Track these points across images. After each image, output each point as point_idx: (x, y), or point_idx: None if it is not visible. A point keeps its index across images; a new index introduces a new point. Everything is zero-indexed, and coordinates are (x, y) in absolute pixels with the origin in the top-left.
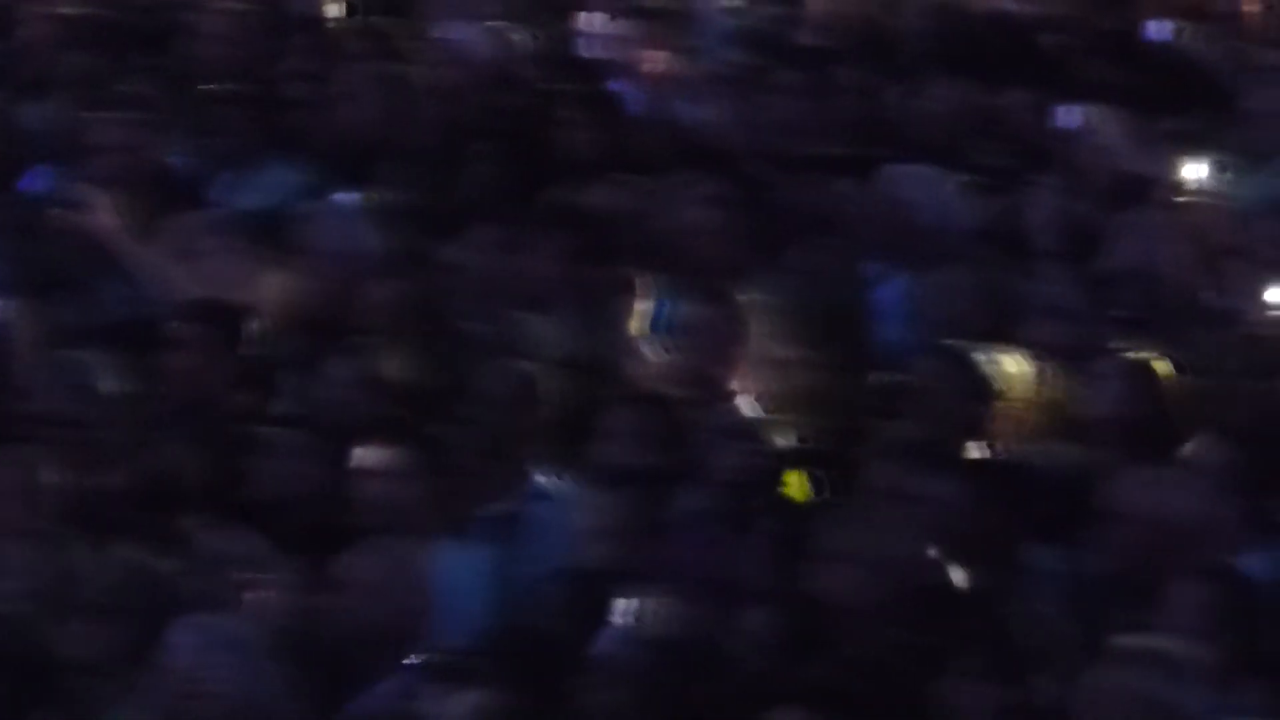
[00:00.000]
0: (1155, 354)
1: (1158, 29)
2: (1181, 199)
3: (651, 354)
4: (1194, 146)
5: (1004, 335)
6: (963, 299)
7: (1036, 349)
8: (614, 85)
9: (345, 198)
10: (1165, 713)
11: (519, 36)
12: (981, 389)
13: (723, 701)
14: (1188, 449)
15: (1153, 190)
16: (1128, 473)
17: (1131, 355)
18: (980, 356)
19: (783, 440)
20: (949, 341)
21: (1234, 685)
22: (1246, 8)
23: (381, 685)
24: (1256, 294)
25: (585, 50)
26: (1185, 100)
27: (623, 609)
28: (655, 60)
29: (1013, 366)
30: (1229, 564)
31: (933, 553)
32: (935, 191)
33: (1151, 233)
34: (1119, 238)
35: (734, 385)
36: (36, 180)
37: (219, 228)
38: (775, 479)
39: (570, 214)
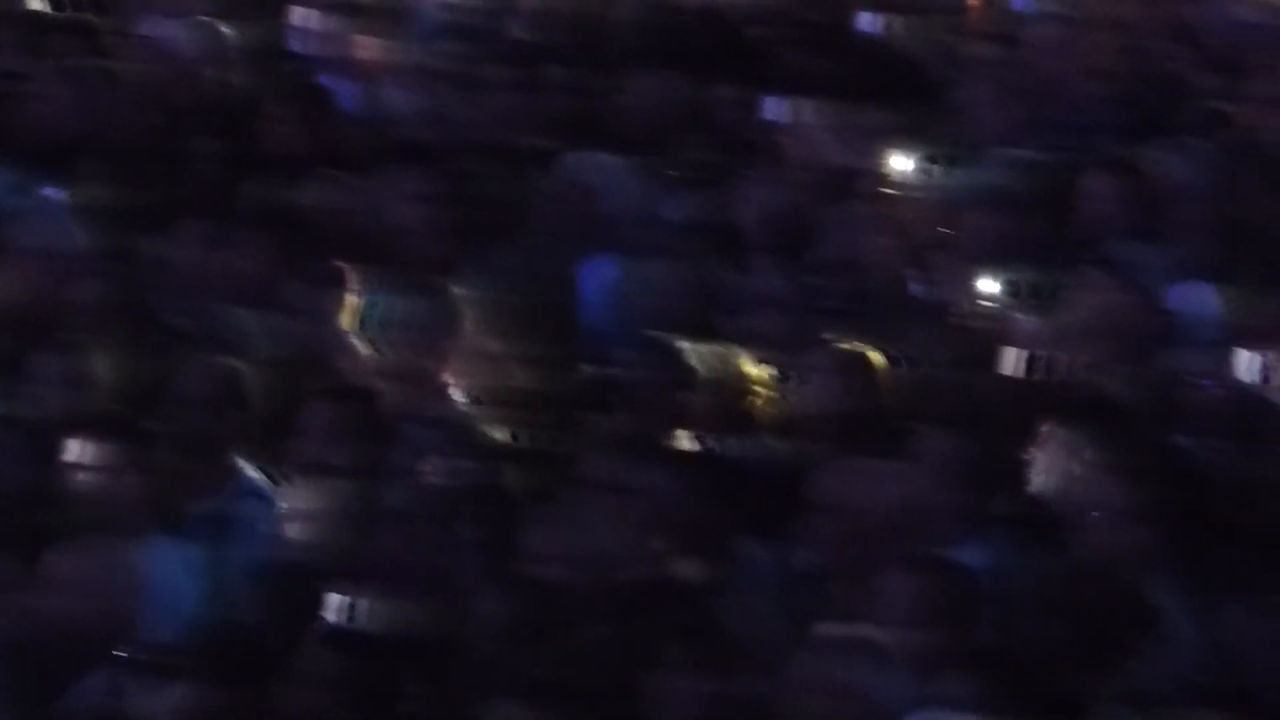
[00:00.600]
0: (866, 346)
1: (866, 21)
2: (889, 191)
3: (362, 349)
4: (902, 139)
5: (714, 327)
6: (671, 291)
7: (747, 341)
8: (324, 80)
9: (51, 194)
10: (868, 703)
11: (227, 31)
12: (692, 381)
13: (435, 696)
14: (901, 440)
15: (860, 182)
16: (839, 464)
17: (843, 347)
18: (690, 348)
19: (495, 435)
20: (658, 334)
21: (943, 675)
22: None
23: (88, 681)
24: (965, 285)
25: (295, 45)
26: (893, 92)
27: (334, 605)
28: (366, 54)
29: (723, 358)
30: (940, 554)
31: (645, 545)
32: (628, 182)
33: (860, 225)
34: (828, 230)
35: (445, 380)
36: None
37: None
38: (488, 473)
39: (279, 209)
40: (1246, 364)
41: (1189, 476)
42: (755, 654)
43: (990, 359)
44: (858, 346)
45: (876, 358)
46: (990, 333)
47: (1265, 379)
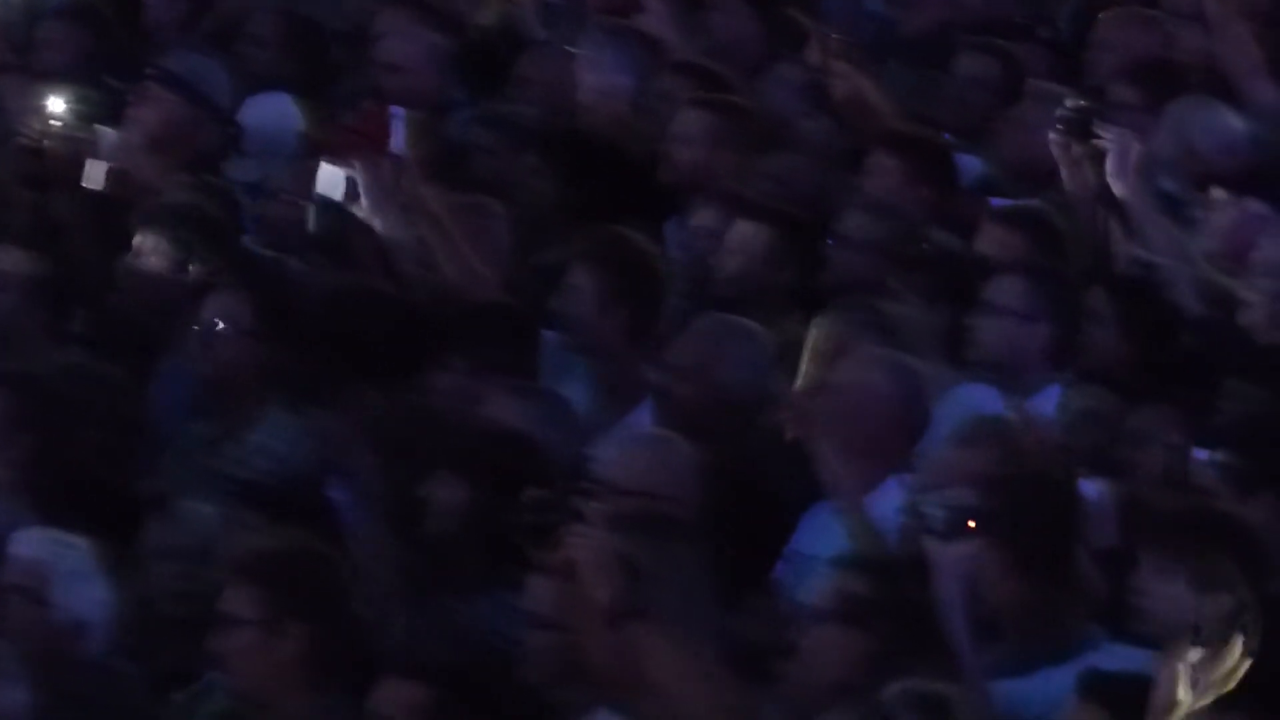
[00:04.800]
0: None
1: None
2: None
3: None
4: None
5: None
6: None
7: None
8: None
9: None
10: None
11: None
12: None
13: None
14: None
15: None
16: None
17: None
18: None
19: None
20: None
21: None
22: None
23: None
24: (36, 103)
25: None
26: None
27: None
28: None
29: None
30: (22, 371)
31: None
32: None
33: None
34: None
35: None
36: None
37: None
38: None
39: None
40: (329, 178)
41: (282, 287)
42: None
43: (66, 175)
44: None
45: None
46: (64, 148)
47: (348, 194)
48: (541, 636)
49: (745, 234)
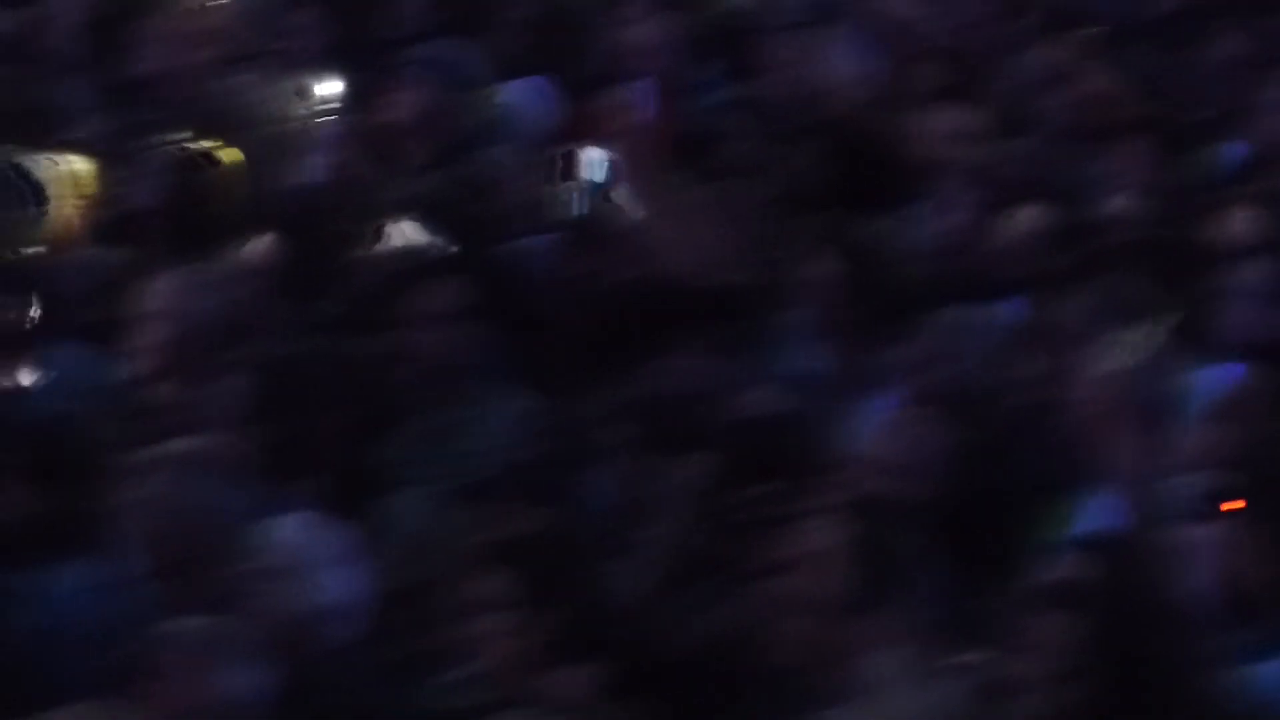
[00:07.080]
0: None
1: None
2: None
3: None
4: None
5: (40, 139)
6: None
7: (78, 150)
8: None
9: None
10: (204, 515)
11: None
12: (34, 193)
13: None
14: (230, 245)
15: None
16: (165, 271)
17: (174, 147)
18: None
19: None
20: None
21: (273, 480)
22: None
23: None
24: (288, 90)
25: None
26: None
27: None
28: None
29: (59, 168)
30: (264, 357)
31: None
32: None
33: (169, 38)
34: (141, 44)
35: None
36: None
37: None
38: None
39: None
40: (590, 161)
41: (522, 273)
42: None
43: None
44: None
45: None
46: (308, 135)
47: (608, 177)
48: (777, 627)
49: (1021, 218)
